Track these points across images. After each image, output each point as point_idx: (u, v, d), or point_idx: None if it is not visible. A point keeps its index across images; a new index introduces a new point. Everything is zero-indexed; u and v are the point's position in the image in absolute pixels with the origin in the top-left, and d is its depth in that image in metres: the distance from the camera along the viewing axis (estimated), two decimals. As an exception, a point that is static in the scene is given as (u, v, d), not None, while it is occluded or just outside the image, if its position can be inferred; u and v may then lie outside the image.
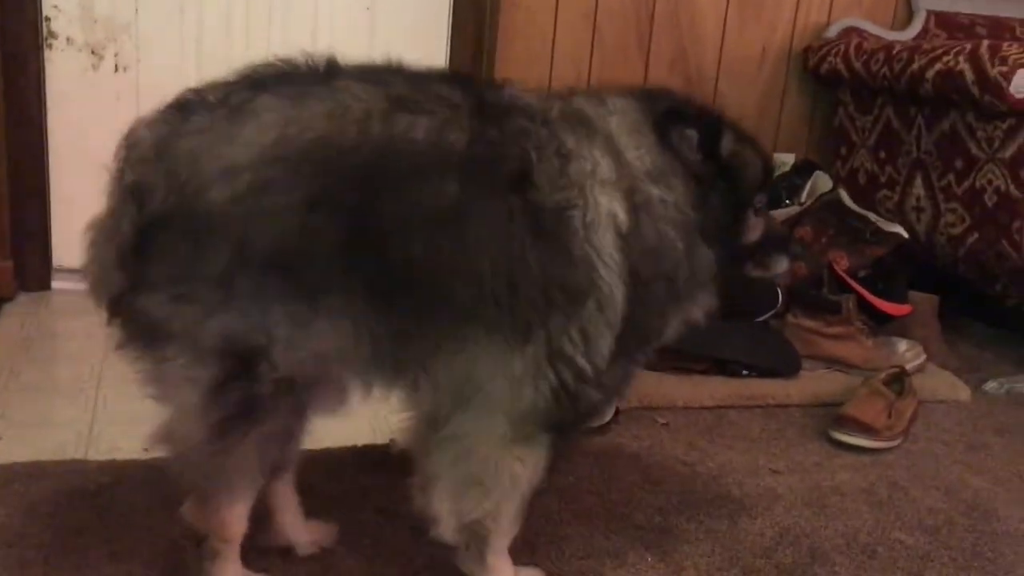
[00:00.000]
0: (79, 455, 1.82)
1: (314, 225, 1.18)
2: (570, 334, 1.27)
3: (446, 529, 1.39)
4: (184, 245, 1.18)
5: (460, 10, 2.97)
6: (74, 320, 2.62)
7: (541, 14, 3.04)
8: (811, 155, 3.30)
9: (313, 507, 1.57)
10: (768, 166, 1.50)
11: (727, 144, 1.39)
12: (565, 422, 1.37)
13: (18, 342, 2.42)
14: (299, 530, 1.54)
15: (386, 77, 1.27)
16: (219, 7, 2.79)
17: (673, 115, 1.36)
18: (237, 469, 1.29)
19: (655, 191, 1.32)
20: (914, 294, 2.63)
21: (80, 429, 1.95)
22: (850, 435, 2.08)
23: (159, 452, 1.34)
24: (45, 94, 2.71)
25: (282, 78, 1.25)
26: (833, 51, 3.06)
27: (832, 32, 3.20)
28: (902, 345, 2.51)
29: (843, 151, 3.16)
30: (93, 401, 2.08)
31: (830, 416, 2.17)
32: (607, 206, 1.26)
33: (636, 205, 1.29)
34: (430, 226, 1.21)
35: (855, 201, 2.69)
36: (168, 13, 2.76)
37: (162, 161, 1.19)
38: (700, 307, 1.46)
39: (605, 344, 1.29)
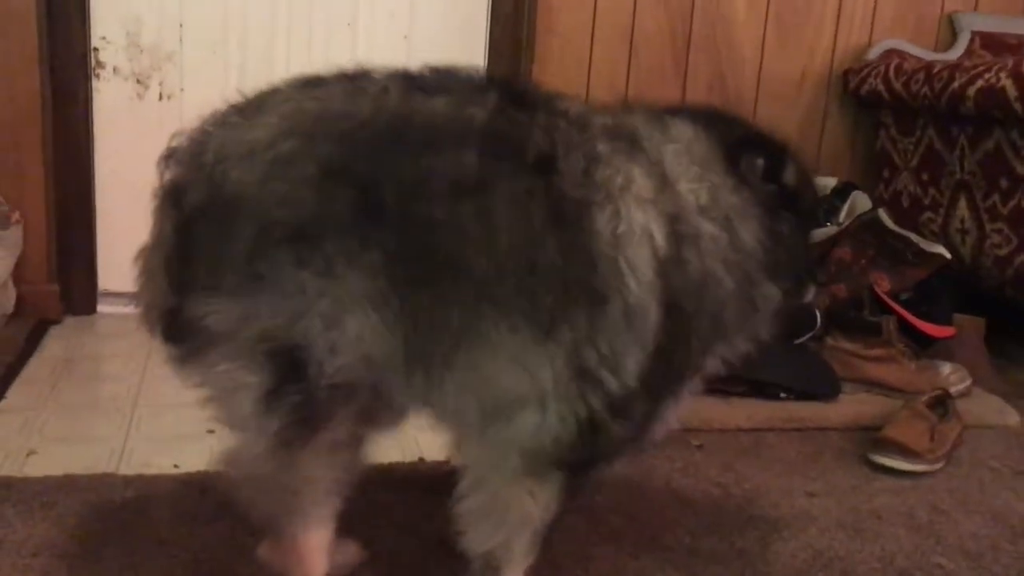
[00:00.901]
0: (110, 470, 1.84)
1: (330, 196, 1.16)
2: (595, 343, 1.20)
3: (466, 553, 1.37)
4: (215, 234, 1.18)
5: (496, 38, 3.00)
6: (117, 342, 2.67)
7: (577, 40, 3.05)
8: (853, 178, 3.23)
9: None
10: (816, 195, 1.48)
11: (790, 173, 1.36)
12: (581, 460, 1.31)
13: (61, 363, 2.47)
14: (333, 551, 1.52)
15: (410, 71, 1.26)
16: (261, 37, 2.85)
17: (744, 143, 1.33)
18: (306, 486, 1.26)
19: (707, 227, 1.26)
20: (959, 317, 2.57)
21: (114, 446, 1.97)
22: (890, 458, 2.02)
23: (228, 476, 1.30)
24: (92, 122, 2.78)
25: (308, 79, 1.27)
26: (873, 72, 3.02)
27: (873, 54, 3.16)
28: (946, 368, 2.44)
29: (885, 174, 3.11)
30: (128, 419, 2.11)
31: (869, 439, 2.11)
32: (642, 223, 1.20)
33: (681, 235, 1.23)
34: (446, 196, 1.17)
35: (898, 225, 2.64)
36: (212, 43, 2.83)
37: (195, 157, 1.21)
38: (751, 341, 1.42)
39: (632, 362, 1.22)
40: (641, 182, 1.23)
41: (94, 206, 2.85)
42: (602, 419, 1.24)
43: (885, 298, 2.43)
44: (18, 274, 2.70)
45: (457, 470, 1.74)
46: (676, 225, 1.23)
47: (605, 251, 1.19)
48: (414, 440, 2.06)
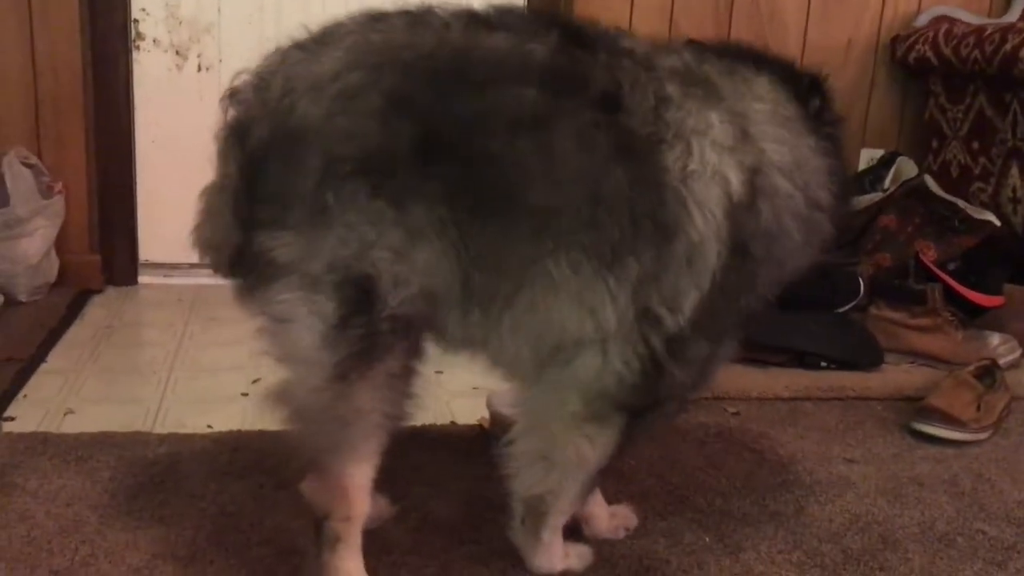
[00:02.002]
0: (145, 429, 1.85)
1: (394, 129, 1.17)
2: (658, 280, 1.22)
3: (512, 499, 1.37)
4: (282, 169, 1.18)
5: (534, 6, 2.96)
6: (156, 311, 2.70)
7: (616, 4, 3.00)
8: (902, 149, 3.15)
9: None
10: None
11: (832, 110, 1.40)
12: (644, 404, 1.32)
13: (101, 330, 2.50)
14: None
15: (473, 8, 1.26)
16: (297, 7, 2.85)
17: (811, 89, 1.36)
18: (358, 418, 1.24)
19: (785, 185, 1.27)
20: (1010, 287, 2.48)
21: (149, 406, 1.99)
22: (932, 426, 1.96)
23: (277, 413, 1.29)
24: (132, 94, 2.81)
25: (371, 13, 1.27)
26: (922, 39, 2.94)
27: (922, 21, 3.07)
28: (995, 339, 2.37)
29: (934, 144, 3.03)
30: (164, 383, 2.13)
31: (912, 409, 2.05)
32: (715, 164, 1.22)
33: (758, 187, 1.25)
34: (507, 129, 1.18)
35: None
36: (249, 14, 2.84)
37: (259, 93, 1.21)
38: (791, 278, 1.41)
39: (688, 302, 1.24)
40: (719, 129, 1.24)
41: (135, 177, 2.88)
42: (664, 360, 1.25)
43: (931, 266, 2.36)
44: (60, 244, 2.73)
45: (488, 433, 1.74)
46: (755, 177, 1.24)
47: (674, 186, 1.20)
48: (446, 405, 2.06)
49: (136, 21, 2.79)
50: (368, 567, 1.35)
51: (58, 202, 2.70)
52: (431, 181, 1.19)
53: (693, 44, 1.39)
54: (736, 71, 1.31)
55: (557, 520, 1.40)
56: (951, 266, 2.48)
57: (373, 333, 1.21)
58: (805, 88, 1.36)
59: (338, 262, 1.18)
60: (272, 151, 1.19)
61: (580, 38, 1.26)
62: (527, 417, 1.36)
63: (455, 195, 1.19)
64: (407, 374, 1.30)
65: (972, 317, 2.42)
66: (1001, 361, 2.29)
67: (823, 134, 1.33)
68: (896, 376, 2.28)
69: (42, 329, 2.38)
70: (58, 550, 1.39)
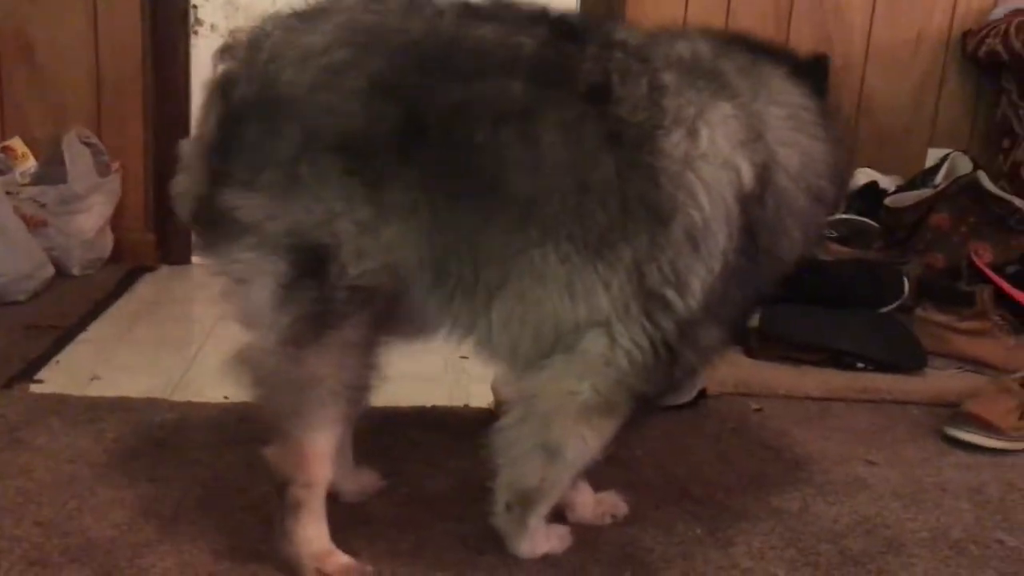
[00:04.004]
0: (163, 397, 1.89)
1: (377, 109, 1.19)
2: (658, 262, 1.20)
3: (498, 486, 1.35)
4: (259, 131, 1.21)
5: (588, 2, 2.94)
6: (205, 291, 2.76)
7: (671, 1, 2.95)
8: (973, 150, 3.00)
9: (358, 454, 1.55)
10: None
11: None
12: (659, 391, 1.30)
13: (145, 305, 2.57)
14: (347, 477, 1.52)
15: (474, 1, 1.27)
16: (352, -5, 2.89)
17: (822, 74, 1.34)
18: (314, 384, 1.25)
19: (790, 186, 1.27)
20: (1071, 292, 2.34)
21: (172, 376, 2.04)
22: (967, 432, 1.86)
23: (238, 375, 1.30)
24: (190, 77, 2.88)
25: None
26: (992, 32, 2.80)
27: (997, 14, 2.93)
28: (1051, 347, 2.23)
29: (1005, 143, 2.88)
30: (193, 355, 2.18)
31: (950, 414, 1.94)
32: (727, 153, 1.21)
33: (765, 181, 1.24)
34: (491, 120, 1.19)
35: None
36: (304, 1, 2.88)
37: (250, 53, 1.24)
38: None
39: (698, 283, 1.22)
40: (733, 122, 1.23)
41: (191, 159, 2.95)
42: (676, 343, 1.24)
43: (983, 267, 2.24)
44: (116, 221, 2.83)
45: (496, 417, 1.70)
46: (765, 173, 1.24)
47: (672, 169, 1.19)
48: (465, 389, 2.05)
49: (195, 7, 2.86)
50: (343, 537, 1.35)
51: (115, 180, 2.79)
52: (408, 166, 1.20)
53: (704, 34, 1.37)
54: (753, 70, 1.29)
55: (546, 507, 1.37)
56: (1010, 269, 2.35)
57: (327, 299, 1.22)
58: (818, 80, 1.33)
59: (298, 227, 1.20)
60: (254, 112, 1.21)
61: (570, 31, 1.25)
62: (526, 406, 1.32)
63: (433, 181, 1.20)
64: (366, 345, 1.29)
65: (1028, 323, 2.28)
66: (1056, 370, 2.16)
67: (832, 128, 1.31)
68: (939, 381, 2.17)
69: (88, 301, 2.46)
70: (47, 503, 1.43)
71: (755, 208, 1.23)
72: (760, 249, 1.26)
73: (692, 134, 1.20)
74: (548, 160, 1.19)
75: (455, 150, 1.20)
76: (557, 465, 1.31)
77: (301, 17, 1.26)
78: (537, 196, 1.20)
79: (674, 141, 1.20)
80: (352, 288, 1.22)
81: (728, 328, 1.32)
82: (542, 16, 1.26)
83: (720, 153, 1.21)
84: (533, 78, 1.20)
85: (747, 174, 1.22)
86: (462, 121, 1.19)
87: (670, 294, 1.22)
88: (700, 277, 1.21)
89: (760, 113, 1.26)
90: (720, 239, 1.21)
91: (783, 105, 1.29)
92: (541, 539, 1.39)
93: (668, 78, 1.23)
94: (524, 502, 1.35)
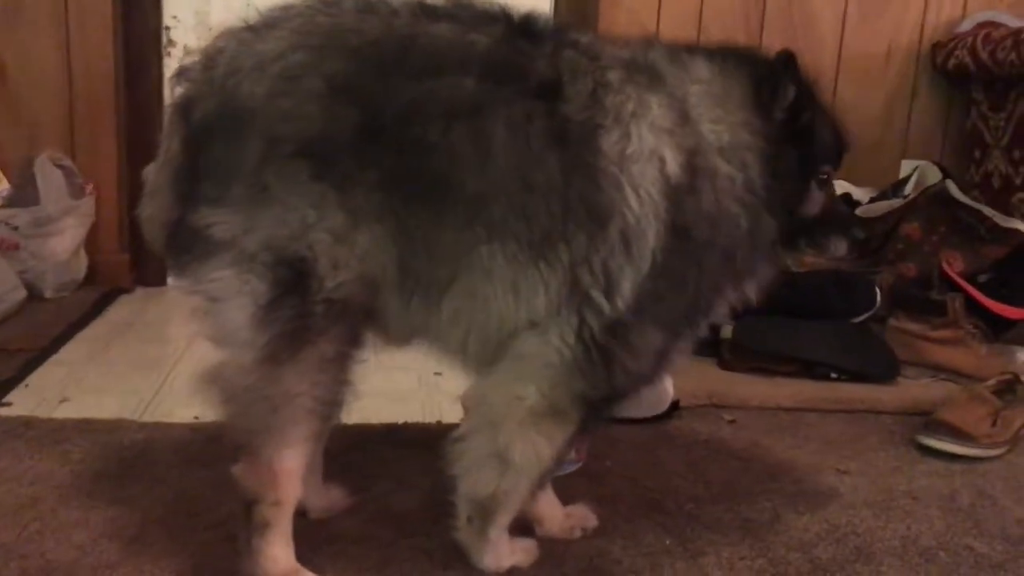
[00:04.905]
0: (133, 418, 1.88)
1: (335, 111, 1.18)
2: (590, 263, 1.21)
3: (458, 499, 1.34)
4: (224, 146, 1.19)
5: (561, 10, 2.96)
6: (180, 312, 2.74)
7: (644, 13, 2.97)
8: (945, 161, 3.02)
9: (328, 471, 1.53)
10: (843, 140, 1.41)
11: (809, 113, 1.33)
12: (601, 395, 1.29)
13: (119, 327, 2.56)
14: (316, 494, 1.50)
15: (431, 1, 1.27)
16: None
17: (777, 74, 1.29)
18: (287, 401, 1.22)
19: (725, 167, 1.26)
20: (1042, 300, 2.35)
21: (143, 397, 2.02)
22: (939, 440, 1.86)
23: (209, 394, 1.27)
24: (163, 99, 2.88)
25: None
26: (960, 44, 2.83)
27: (965, 26, 2.96)
28: (1022, 354, 2.24)
29: (976, 154, 2.90)
30: (165, 375, 2.16)
31: (923, 422, 1.95)
32: (652, 146, 1.22)
33: (697, 168, 1.24)
34: (444, 118, 1.19)
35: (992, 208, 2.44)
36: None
37: (206, 72, 1.23)
38: (757, 282, 1.38)
39: (627, 284, 1.22)
40: (658, 111, 1.23)
41: (165, 181, 2.94)
42: (607, 344, 1.23)
43: (954, 276, 2.25)
44: (91, 243, 2.82)
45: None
46: (694, 158, 1.24)
47: (610, 170, 1.20)
48: (438, 406, 2.04)
49: (168, 28, 2.87)
50: (309, 555, 1.34)
51: (88, 203, 2.79)
52: (370, 168, 1.19)
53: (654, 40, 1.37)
54: (679, 57, 1.30)
55: (506, 519, 1.36)
56: (982, 278, 2.36)
57: (305, 315, 1.21)
58: (763, 70, 1.31)
59: (274, 241, 1.19)
60: (216, 129, 1.20)
61: (527, 30, 1.26)
62: (479, 414, 1.33)
63: (393, 182, 1.20)
64: (341, 359, 1.28)
65: (1000, 330, 2.29)
66: (1028, 377, 2.17)
67: (773, 117, 1.29)
68: (912, 390, 2.17)
69: (61, 324, 2.45)
70: (9, 526, 1.41)
71: (688, 200, 1.23)
72: (700, 243, 1.25)
73: (626, 131, 1.21)
74: (496, 159, 1.19)
75: (411, 150, 1.19)
76: (510, 474, 1.30)
77: (253, 28, 1.25)
78: (485, 195, 1.20)
79: (612, 140, 1.21)
80: (329, 301, 1.21)
81: (673, 332, 1.30)
82: (500, 14, 1.26)
83: (646, 147, 1.21)
84: (485, 75, 1.20)
85: (673, 163, 1.22)
86: (416, 120, 1.19)
87: (596, 294, 1.22)
88: (630, 278, 1.22)
89: (684, 95, 1.26)
90: (649, 237, 1.21)
91: (702, 82, 1.28)
92: (506, 552, 1.38)
93: (613, 76, 1.24)
94: (483, 513, 1.34)
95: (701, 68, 1.29)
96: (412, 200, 1.20)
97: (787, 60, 1.30)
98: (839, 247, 1.44)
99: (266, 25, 1.25)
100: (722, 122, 1.26)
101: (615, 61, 1.27)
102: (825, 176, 1.38)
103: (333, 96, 1.18)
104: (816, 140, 1.35)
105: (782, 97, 1.29)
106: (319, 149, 1.18)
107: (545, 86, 1.21)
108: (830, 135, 1.38)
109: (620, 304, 1.22)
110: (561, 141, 1.20)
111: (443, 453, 1.34)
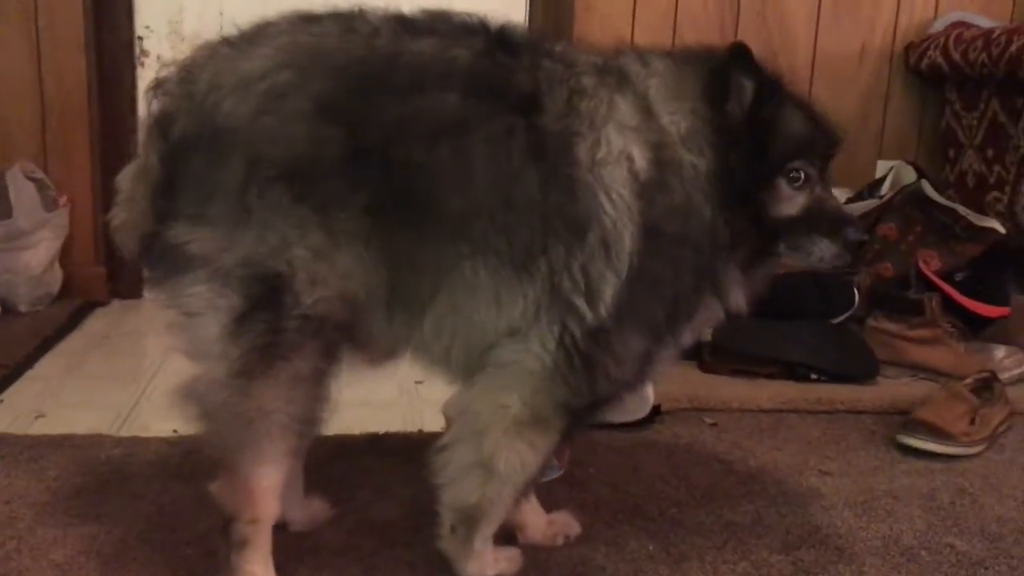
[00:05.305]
0: (110, 433, 1.86)
1: (321, 132, 1.17)
2: (570, 270, 1.21)
3: (442, 508, 1.33)
4: (204, 165, 1.18)
5: (536, 17, 2.96)
6: (156, 324, 2.71)
7: (617, 18, 2.98)
8: (920, 161, 3.04)
9: (310, 483, 1.52)
10: (825, 137, 1.33)
11: (770, 106, 1.28)
12: (584, 403, 1.28)
13: (95, 340, 2.53)
14: (296, 507, 1.49)
15: (404, 13, 1.26)
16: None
17: (732, 67, 1.26)
18: (262, 417, 1.22)
19: (688, 157, 1.26)
20: (1018, 297, 2.37)
21: (121, 411, 2.00)
22: (918, 439, 1.87)
23: (185, 408, 1.26)
24: (137, 109, 2.86)
25: (303, 14, 1.26)
26: (933, 45, 2.85)
27: (937, 27, 2.98)
28: (1000, 352, 2.26)
29: (951, 153, 2.93)
30: (142, 389, 2.14)
31: (902, 422, 1.96)
32: (620, 146, 1.22)
33: (663, 161, 1.24)
34: (426, 137, 1.19)
35: (966, 207, 2.46)
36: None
37: (184, 87, 1.21)
38: (742, 289, 1.34)
39: (608, 290, 1.21)
40: (625, 110, 1.24)
41: (141, 192, 2.92)
42: (590, 351, 1.23)
43: (931, 275, 2.27)
44: (66, 256, 2.79)
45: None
46: (660, 152, 1.24)
47: (585, 178, 1.20)
48: (420, 414, 2.03)
49: (140, 38, 2.84)
50: (291, 568, 1.33)
51: (62, 215, 2.75)
52: (357, 190, 1.18)
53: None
54: (646, 58, 1.30)
55: (490, 528, 1.35)
56: (958, 276, 2.37)
57: (279, 330, 1.20)
58: (715, 62, 1.28)
59: (252, 258, 1.18)
60: (196, 146, 1.19)
61: (505, 42, 1.25)
62: (463, 424, 1.31)
63: (380, 204, 1.19)
64: (317, 376, 1.26)
65: (977, 328, 2.31)
66: (1006, 375, 2.19)
67: (723, 108, 1.26)
68: (892, 389, 2.18)
69: (36, 338, 2.42)
70: (-16, 545, 1.39)
71: (658, 197, 1.22)
72: (673, 240, 1.24)
73: (598, 136, 1.21)
74: (477, 176, 1.19)
75: (396, 169, 1.19)
76: (495, 482, 1.29)
77: (233, 45, 1.24)
78: (467, 212, 1.20)
79: (587, 146, 1.21)
80: (304, 318, 1.20)
81: (655, 337, 1.28)
82: (479, 27, 1.26)
83: (615, 148, 1.21)
84: (467, 90, 1.20)
85: (640, 159, 1.22)
86: (401, 139, 1.18)
87: (579, 302, 1.21)
88: (611, 283, 1.21)
89: (646, 91, 1.27)
90: (626, 241, 1.21)
91: (660, 75, 1.29)
92: (489, 561, 1.37)
93: (587, 81, 1.25)
94: (467, 522, 1.33)
95: (660, 64, 1.30)
96: (396, 220, 1.20)
97: (737, 52, 1.27)
98: (824, 251, 1.33)
99: (247, 42, 1.23)
100: (678, 112, 1.26)
101: (589, 67, 1.27)
102: (798, 173, 1.31)
103: (320, 117, 1.17)
104: (779, 135, 1.29)
105: (734, 88, 1.26)
106: (303, 171, 1.18)
107: (525, 99, 1.21)
108: (802, 130, 1.31)
109: (602, 310, 1.22)
110: (540, 154, 1.20)
111: (425, 462, 1.33)
